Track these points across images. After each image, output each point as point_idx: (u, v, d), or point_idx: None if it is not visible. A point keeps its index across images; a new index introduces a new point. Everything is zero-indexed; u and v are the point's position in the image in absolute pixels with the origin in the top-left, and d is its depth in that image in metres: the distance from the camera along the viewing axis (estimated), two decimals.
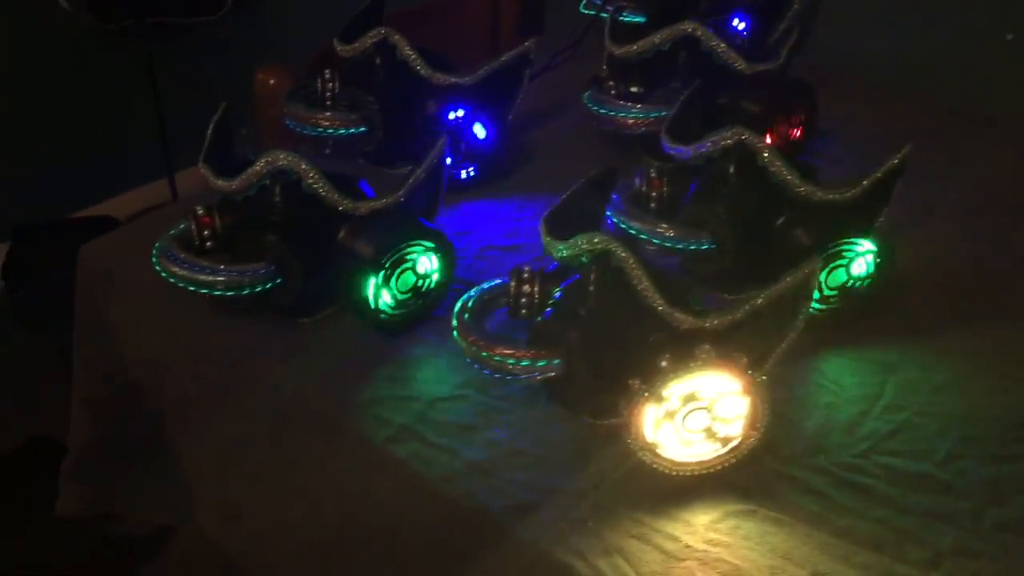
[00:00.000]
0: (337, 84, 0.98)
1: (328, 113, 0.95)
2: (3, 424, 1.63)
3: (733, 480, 0.66)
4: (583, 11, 1.24)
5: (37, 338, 1.87)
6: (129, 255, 0.88)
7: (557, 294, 0.70)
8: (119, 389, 0.91)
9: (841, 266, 0.76)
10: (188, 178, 2.21)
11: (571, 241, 0.68)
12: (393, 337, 0.79)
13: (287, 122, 0.96)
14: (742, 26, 1.11)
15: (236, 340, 0.80)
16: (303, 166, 0.75)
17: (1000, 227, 0.92)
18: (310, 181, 0.75)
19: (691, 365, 0.61)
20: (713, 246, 0.78)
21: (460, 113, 0.93)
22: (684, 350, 0.62)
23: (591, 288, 0.67)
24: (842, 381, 0.75)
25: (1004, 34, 1.11)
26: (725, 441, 0.65)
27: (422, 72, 0.94)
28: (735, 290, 0.79)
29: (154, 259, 0.76)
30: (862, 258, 0.76)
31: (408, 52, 0.93)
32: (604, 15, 1.20)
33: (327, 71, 0.98)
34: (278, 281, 0.76)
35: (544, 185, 0.99)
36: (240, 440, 0.79)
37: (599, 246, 0.67)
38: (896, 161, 0.79)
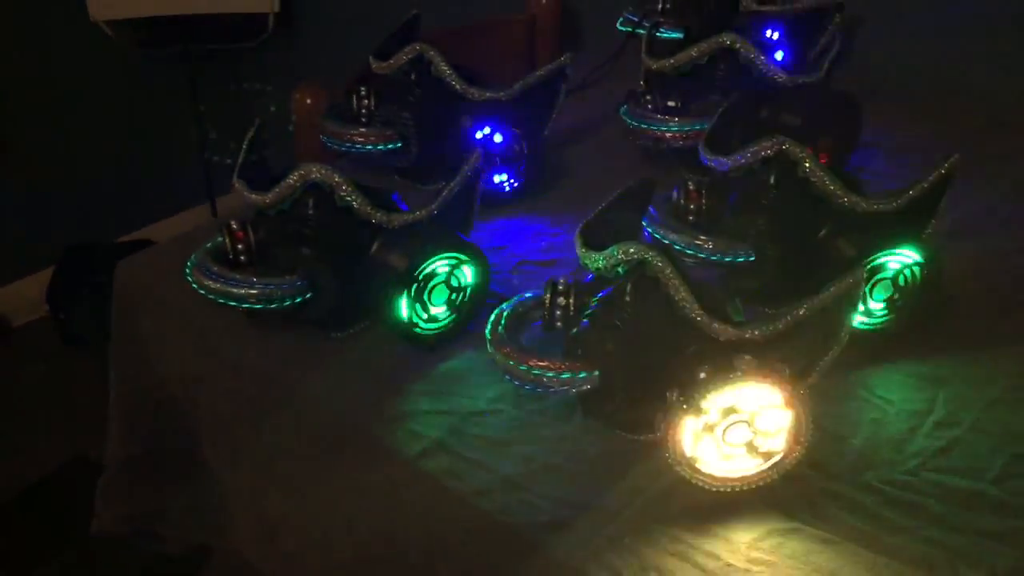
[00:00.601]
0: (373, 101, 0.98)
1: (363, 129, 0.95)
2: (46, 444, 1.64)
3: (776, 497, 0.64)
4: (620, 28, 1.24)
5: (80, 359, 1.90)
6: (165, 271, 0.88)
7: (593, 305, 0.68)
8: (155, 405, 0.91)
9: (887, 278, 0.74)
10: (229, 202, 2.24)
11: (607, 251, 0.67)
12: (427, 351, 0.78)
13: (323, 139, 0.97)
14: (776, 36, 1.10)
15: (270, 354, 0.79)
16: (336, 178, 0.74)
17: None
18: (343, 193, 0.75)
19: (731, 376, 0.59)
20: (753, 259, 0.76)
21: (487, 131, 0.92)
22: (724, 361, 0.61)
23: (627, 299, 0.66)
24: (890, 396, 0.72)
25: None
26: (767, 456, 0.63)
27: (457, 88, 0.93)
28: (776, 304, 0.77)
29: (188, 273, 0.76)
30: (909, 269, 0.74)
31: (444, 68, 0.93)
32: (641, 31, 1.19)
33: (362, 88, 0.99)
34: (310, 294, 0.75)
35: (580, 200, 0.97)
36: (274, 455, 0.78)
37: (635, 256, 0.65)
38: (943, 171, 0.77)
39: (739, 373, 0.60)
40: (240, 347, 0.81)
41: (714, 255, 0.77)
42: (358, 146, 0.95)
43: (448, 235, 0.76)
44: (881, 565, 0.59)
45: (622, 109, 0.99)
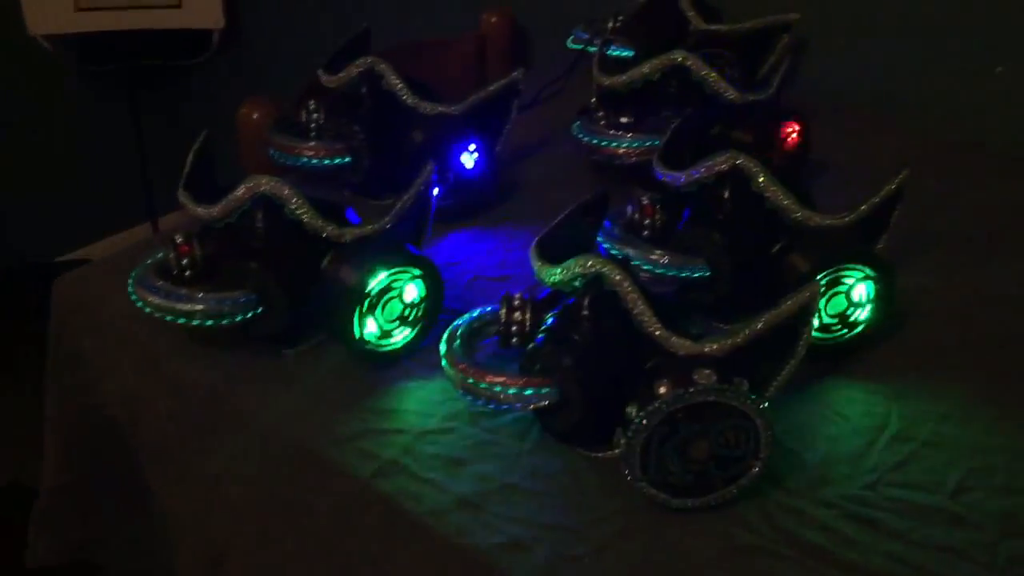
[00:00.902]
0: (322, 115, 0.96)
1: (312, 143, 0.93)
2: None
3: (735, 513, 0.63)
4: (570, 46, 1.24)
5: (13, 380, 1.83)
6: (104, 288, 0.86)
7: (549, 320, 0.67)
8: (93, 428, 0.88)
9: (841, 293, 0.74)
10: (172, 221, 2.19)
11: (564, 265, 0.66)
12: (379, 368, 0.76)
13: (271, 153, 0.95)
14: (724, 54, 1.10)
15: (216, 373, 0.77)
16: (286, 191, 0.72)
17: (997, 255, 0.90)
18: (293, 207, 0.73)
19: (691, 391, 0.59)
20: (708, 273, 0.76)
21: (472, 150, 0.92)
22: (683, 376, 0.60)
23: (584, 313, 0.65)
24: (846, 411, 0.72)
25: (994, 67, 1.10)
26: (728, 472, 0.62)
27: (408, 101, 0.92)
28: (731, 318, 0.76)
29: (130, 288, 0.73)
30: (862, 284, 0.74)
31: (395, 81, 0.92)
32: (592, 49, 1.19)
33: (311, 102, 0.97)
34: (260, 310, 0.73)
35: (533, 216, 0.96)
36: (221, 479, 0.76)
37: (592, 269, 0.64)
38: (894, 186, 0.78)
39: (699, 388, 0.59)
40: (185, 366, 0.78)
41: (669, 269, 0.76)
42: (308, 160, 0.93)
43: (401, 249, 0.75)
44: None
45: (575, 125, 0.99)
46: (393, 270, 0.73)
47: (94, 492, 0.92)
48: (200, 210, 0.75)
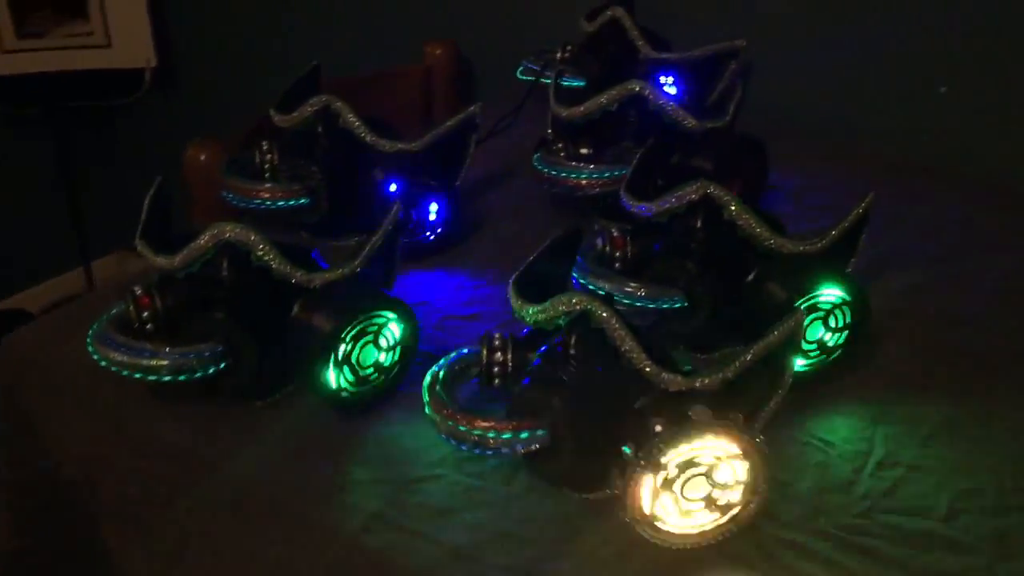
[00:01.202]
0: (276, 155, 0.94)
1: (268, 185, 0.91)
2: None
3: (733, 550, 0.62)
4: (520, 77, 1.23)
5: None
6: (57, 345, 0.82)
7: (535, 360, 0.65)
8: (48, 492, 0.83)
9: (819, 318, 0.74)
10: (105, 268, 2.13)
11: (546, 304, 0.65)
12: (356, 416, 0.73)
13: (225, 195, 0.91)
14: (671, 81, 1.11)
15: (181, 429, 0.74)
16: (252, 237, 0.70)
17: (958, 273, 0.92)
18: (260, 253, 0.70)
19: (688, 428, 0.58)
20: (685, 304, 0.75)
21: (393, 188, 0.89)
22: (678, 413, 0.59)
23: (571, 352, 0.63)
24: (829, 438, 0.72)
25: (937, 87, 1.13)
26: (725, 509, 0.61)
27: (367, 140, 0.90)
28: (709, 348, 0.75)
29: (90, 345, 0.70)
30: (838, 308, 0.74)
31: (352, 119, 0.90)
32: (545, 80, 1.19)
33: (264, 142, 0.94)
34: (228, 362, 0.70)
35: (498, 251, 0.96)
36: (191, 542, 0.72)
37: (577, 307, 0.63)
38: (861, 210, 0.78)
39: (697, 425, 0.58)
40: (148, 423, 0.75)
41: (647, 302, 0.75)
42: (265, 203, 0.90)
43: (374, 292, 0.73)
44: None
45: (535, 157, 0.97)
46: (367, 314, 0.70)
47: (50, 557, 0.87)
48: (160, 260, 0.72)
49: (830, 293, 0.73)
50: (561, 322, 0.64)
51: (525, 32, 1.44)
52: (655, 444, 0.57)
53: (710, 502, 0.60)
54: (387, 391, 0.74)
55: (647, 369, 0.61)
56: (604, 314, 0.62)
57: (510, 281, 0.70)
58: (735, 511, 0.61)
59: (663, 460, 0.58)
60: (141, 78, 1.93)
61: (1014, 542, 0.63)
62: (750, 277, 0.76)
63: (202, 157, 1.11)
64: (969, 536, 0.64)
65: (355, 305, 0.70)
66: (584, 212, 1.01)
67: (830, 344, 0.75)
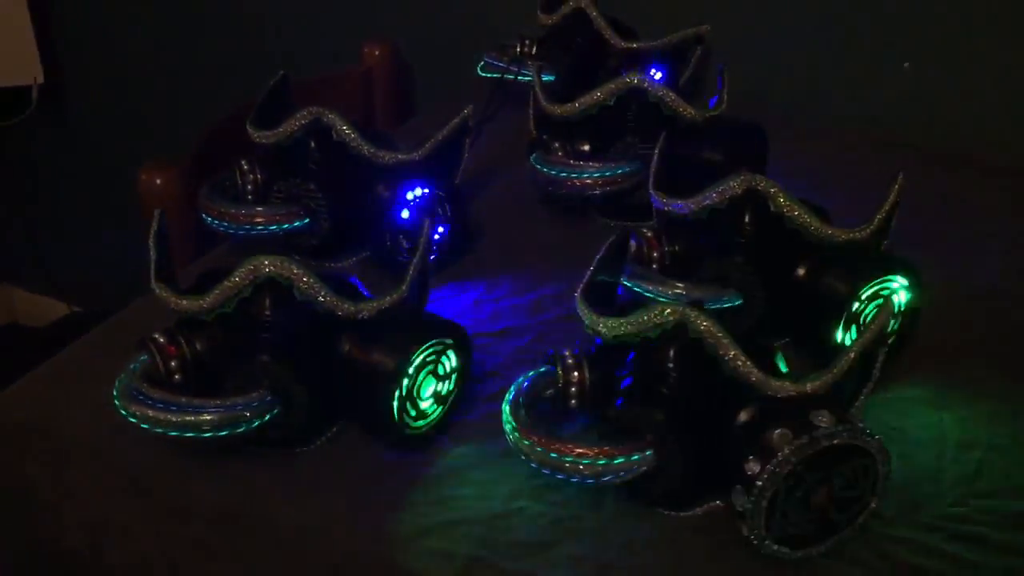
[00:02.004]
0: (259, 175, 0.87)
1: (261, 208, 0.84)
2: None
3: (849, 554, 0.60)
4: (482, 74, 1.18)
5: None
6: (54, 405, 0.73)
7: (626, 380, 0.62)
8: (48, 562, 0.75)
9: (878, 306, 0.73)
10: None
11: (633, 317, 0.61)
12: (411, 453, 0.68)
13: (211, 223, 0.84)
14: (658, 76, 1.08)
15: (219, 485, 0.66)
16: (295, 269, 0.63)
17: (966, 249, 0.92)
18: (303, 286, 0.64)
19: (815, 436, 0.55)
20: (741, 302, 0.73)
21: (418, 192, 0.84)
22: (800, 421, 0.56)
23: (671, 365, 0.60)
24: (900, 426, 0.71)
25: (901, 63, 1.14)
26: (846, 513, 0.59)
27: (365, 152, 0.84)
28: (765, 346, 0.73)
29: (119, 405, 0.62)
30: (898, 294, 0.73)
31: (347, 131, 0.84)
32: (510, 76, 1.14)
33: (243, 162, 0.87)
34: (278, 410, 0.63)
35: (503, 260, 0.91)
36: None
37: (671, 318, 0.60)
38: (896, 192, 0.77)
39: (825, 431, 0.55)
40: (174, 481, 0.67)
41: (704, 303, 0.72)
42: (258, 228, 0.83)
43: (430, 319, 0.67)
44: None
45: (532, 158, 0.93)
46: (431, 343, 0.65)
47: None
48: (186, 303, 0.65)
49: (893, 279, 0.72)
50: (652, 335, 0.61)
51: (462, 29, 1.40)
52: (786, 455, 0.54)
53: (832, 507, 0.58)
54: (444, 422, 0.69)
55: (753, 378, 0.58)
56: (704, 324, 0.59)
57: (577, 295, 0.66)
58: (856, 515, 0.59)
59: (793, 472, 0.55)
60: (29, 96, 1.78)
61: None
62: (800, 270, 0.74)
63: (158, 181, 1.01)
64: None
65: (419, 335, 0.64)
66: (582, 211, 0.98)
67: (890, 329, 0.74)
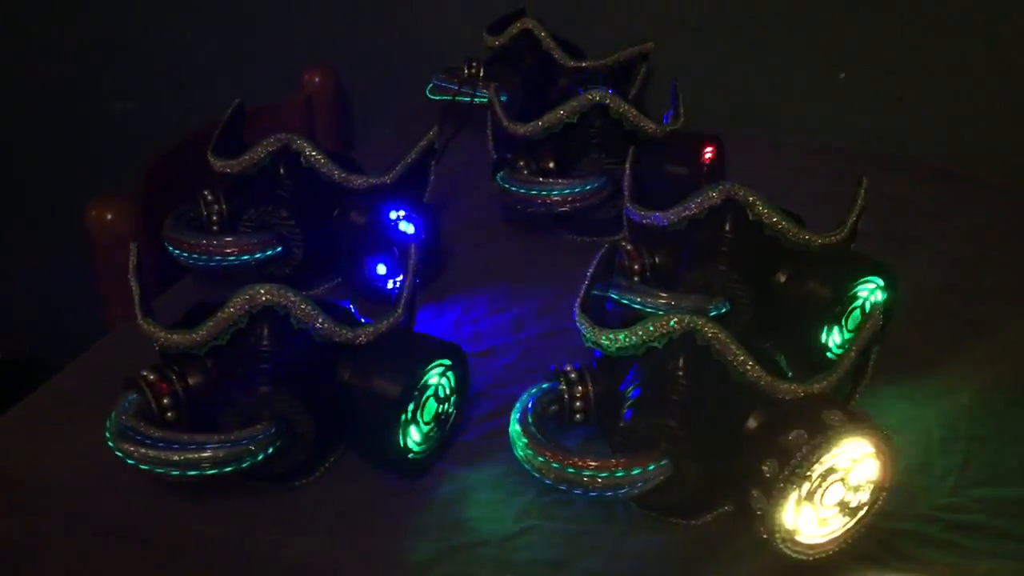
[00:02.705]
0: (223, 205, 0.85)
1: (231, 238, 0.82)
2: None
3: (859, 551, 0.62)
4: (431, 96, 1.18)
5: None
6: (25, 453, 0.70)
7: (634, 392, 0.62)
8: None
9: (856, 307, 0.75)
10: None
11: (636, 328, 0.62)
12: (413, 478, 0.67)
13: (180, 256, 0.81)
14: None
15: (215, 524, 0.64)
16: (291, 297, 0.62)
17: (917, 249, 0.96)
18: (300, 314, 0.63)
19: (831, 436, 0.56)
20: (728, 308, 0.74)
21: (393, 215, 0.83)
22: (814, 422, 0.57)
23: (680, 374, 0.60)
24: (885, 421, 0.72)
25: (837, 73, 1.18)
26: (856, 511, 0.60)
27: (336, 177, 0.83)
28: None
29: (114, 447, 0.60)
30: (873, 295, 0.75)
31: (318, 157, 0.82)
32: (464, 99, 1.15)
33: (206, 192, 0.85)
34: (281, 443, 0.62)
35: (476, 279, 0.91)
36: None
37: (678, 328, 0.60)
38: (861, 197, 0.79)
39: (838, 430, 0.56)
40: (167, 522, 0.65)
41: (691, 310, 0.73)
42: (229, 259, 0.81)
43: (428, 342, 0.67)
44: None
45: (499, 176, 0.93)
46: (432, 366, 0.64)
47: None
48: (177, 337, 0.63)
49: (873, 280, 0.74)
50: (658, 345, 0.61)
51: (401, 54, 1.39)
52: (804, 456, 0.55)
53: (844, 506, 0.59)
54: (443, 445, 0.68)
55: (762, 382, 0.59)
56: (711, 331, 0.59)
57: (575, 309, 0.66)
58: (863, 511, 0.60)
59: (811, 473, 0.56)
60: None
61: None
62: (781, 275, 0.76)
63: (108, 216, 0.98)
64: None
65: (422, 358, 0.64)
66: (546, 228, 0.99)
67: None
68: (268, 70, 1.44)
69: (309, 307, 0.62)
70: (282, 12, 1.42)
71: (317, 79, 1.34)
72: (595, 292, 0.70)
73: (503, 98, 1.08)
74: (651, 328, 0.61)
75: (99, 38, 1.54)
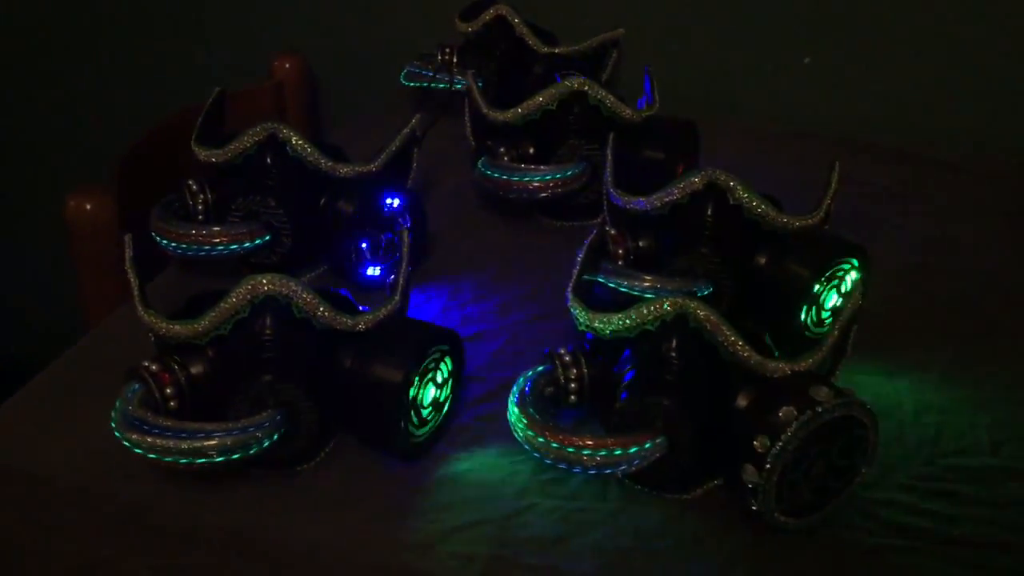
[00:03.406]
0: (209, 194, 0.85)
1: (219, 227, 0.82)
2: None
3: (843, 520, 0.65)
4: (405, 83, 1.19)
5: None
6: (18, 443, 0.71)
7: (629, 374, 0.64)
8: None
9: (834, 287, 0.78)
10: None
11: (630, 311, 0.64)
12: (412, 462, 0.69)
13: (169, 246, 0.82)
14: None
15: (221, 510, 0.65)
16: (293, 287, 0.64)
17: (880, 230, 0.99)
18: (302, 303, 0.64)
19: (820, 411, 0.59)
20: (711, 290, 0.77)
21: (395, 202, 0.84)
22: (803, 398, 0.60)
23: (673, 355, 0.63)
24: (861, 396, 0.75)
25: (803, 58, 1.21)
26: (843, 481, 0.63)
27: (322, 166, 0.84)
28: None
29: (121, 436, 0.61)
30: (849, 276, 0.78)
31: (304, 146, 0.83)
32: (440, 85, 1.16)
33: (191, 182, 0.86)
34: (286, 429, 0.63)
35: (461, 265, 0.92)
36: None
37: (671, 311, 0.63)
38: (835, 180, 0.82)
39: (825, 405, 0.59)
40: (174, 510, 0.66)
41: (678, 293, 0.75)
42: (218, 248, 0.82)
43: (426, 328, 0.68)
44: (966, 556, 0.62)
45: (480, 162, 0.95)
46: (432, 352, 0.66)
47: None
48: (179, 328, 0.64)
49: (851, 261, 0.77)
50: (651, 327, 0.63)
51: (370, 41, 1.40)
52: (794, 431, 0.58)
53: (830, 477, 0.62)
54: (442, 428, 0.70)
55: (752, 360, 0.62)
56: (703, 313, 0.62)
57: (568, 293, 0.68)
58: (850, 482, 0.63)
59: (800, 446, 0.59)
60: None
61: None
62: (762, 257, 0.78)
63: (88, 207, 0.98)
64: (1017, 462, 0.70)
65: (422, 344, 0.65)
66: (526, 214, 1.01)
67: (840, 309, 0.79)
68: (238, 56, 1.43)
69: (310, 296, 0.64)
70: None
71: (287, 65, 1.34)
72: (590, 277, 0.72)
73: (479, 84, 1.09)
74: (645, 311, 0.63)
75: (70, 25, 1.53)
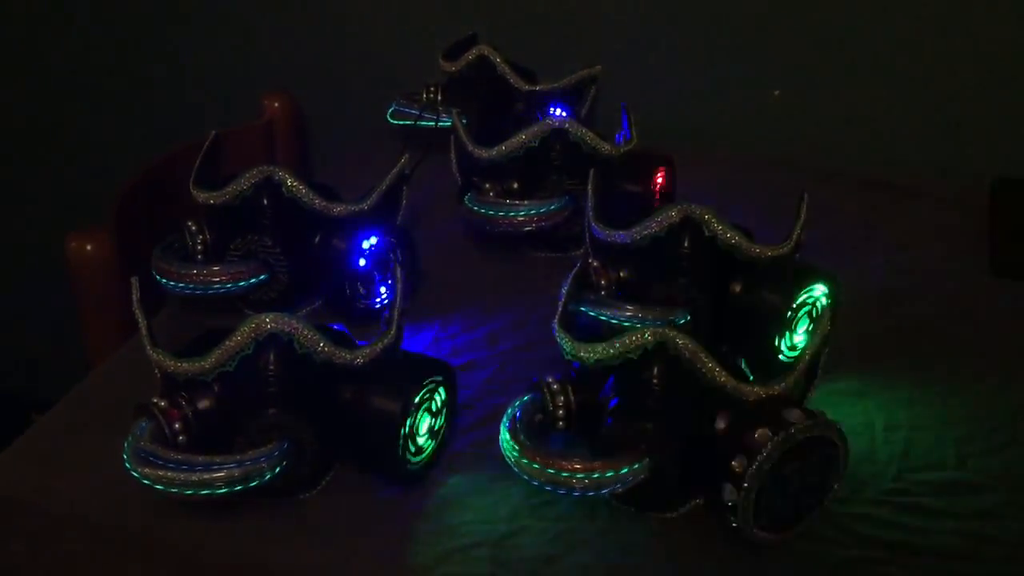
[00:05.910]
0: (207, 235, 0.89)
1: (218, 267, 0.86)
2: None
3: (820, 535, 0.68)
4: (392, 121, 1.23)
5: None
6: (28, 483, 0.74)
7: (613, 401, 0.68)
8: None
9: (805, 313, 0.82)
10: None
11: (612, 341, 0.68)
12: (407, 490, 0.72)
13: (169, 285, 0.85)
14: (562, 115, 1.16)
15: (226, 539, 0.69)
16: (294, 324, 0.67)
17: (851, 254, 1.03)
18: (304, 340, 0.67)
19: (793, 433, 0.63)
20: (689, 318, 0.80)
21: (374, 240, 0.88)
22: (777, 420, 0.64)
23: (655, 381, 0.67)
24: (833, 415, 0.79)
25: (771, 91, 1.26)
26: (816, 497, 0.67)
27: (316, 205, 0.88)
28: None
29: (132, 469, 0.64)
30: (818, 302, 0.82)
31: (299, 187, 0.87)
32: (426, 123, 1.20)
33: (190, 222, 0.89)
34: (289, 460, 0.67)
35: (449, 298, 0.96)
36: None
37: (652, 340, 0.67)
38: (804, 211, 0.86)
39: (798, 427, 0.63)
40: (179, 542, 0.69)
41: (658, 322, 0.79)
42: (214, 287, 0.85)
43: (421, 360, 0.72)
44: (938, 569, 0.66)
45: (466, 198, 0.99)
46: (426, 383, 0.70)
47: None
48: (186, 365, 0.67)
49: (819, 286, 0.81)
50: (633, 356, 0.67)
51: (353, 80, 1.44)
52: (769, 452, 0.62)
53: (803, 494, 0.66)
54: (437, 455, 0.74)
55: (728, 385, 0.66)
56: (682, 342, 0.66)
57: (555, 324, 0.72)
58: (823, 498, 0.67)
59: (777, 464, 0.63)
60: None
61: (1017, 474, 0.74)
62: (736, 285, 0.82)
63: (88, 247, 1.01)
64: (982, 476, 0.74)
65: (417, 377, 0.69)
66: (513, 247, 1.05)
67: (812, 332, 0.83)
68: (229, 95, 1.47)
69: (311, 333, 0.67)
70: (241, 38, 1.46)
71: (276, 104, 1.37)
72: (574, 307, 0.76)
73: (463, 121, 1.13)
74: (627, 341, 0.67)
75: (66, 71, 1.56)
